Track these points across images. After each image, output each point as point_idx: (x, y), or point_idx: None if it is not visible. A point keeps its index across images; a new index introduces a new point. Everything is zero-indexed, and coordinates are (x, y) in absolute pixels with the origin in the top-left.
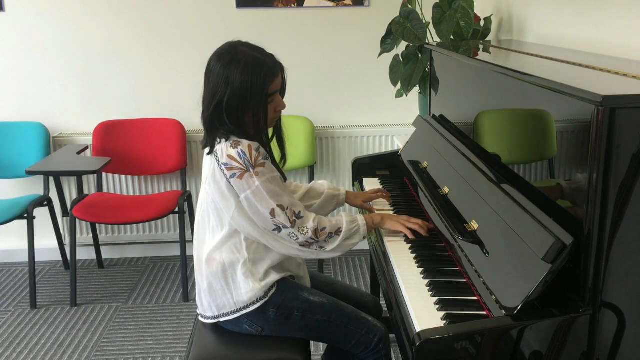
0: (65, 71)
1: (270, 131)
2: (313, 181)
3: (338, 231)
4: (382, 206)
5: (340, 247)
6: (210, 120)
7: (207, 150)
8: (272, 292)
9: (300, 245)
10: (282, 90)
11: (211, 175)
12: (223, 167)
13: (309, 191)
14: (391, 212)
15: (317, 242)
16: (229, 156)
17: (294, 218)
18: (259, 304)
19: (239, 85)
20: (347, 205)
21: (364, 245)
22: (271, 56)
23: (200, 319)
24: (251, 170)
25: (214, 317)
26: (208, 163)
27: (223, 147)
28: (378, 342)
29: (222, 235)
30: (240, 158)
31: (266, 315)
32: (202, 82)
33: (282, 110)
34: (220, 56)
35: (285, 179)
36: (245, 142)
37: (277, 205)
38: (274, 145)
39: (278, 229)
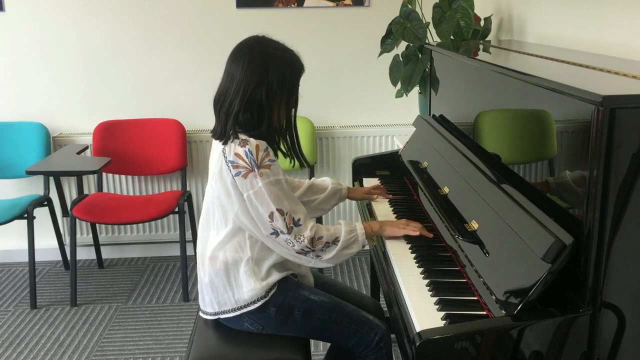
0: (65, 71)
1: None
2: (313, 178)
3: (335, 240)
4: (382, 206)
5: (338, 257)
6: (237, 111)
7: (215, 142)
8: (272, 291)
9: (297, 252)
10: None
11: (218, 172)
12: (230, 164)
13: (311, 187)
14: (390, 210)
15: (314, 250)
16: (236, 154)
17: (291, 225)
18: (259, 303)
19: (278, 79)
20: (344, 208)
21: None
22: (293, 52)
23: (201, 314)
24: (256, 170)
25: (215, 314)
26: (216, 160)
27: (231, 145)
28: (379, 341)
29: (225, 232)
30: (247, 157)
31: (267, 314)
32: (202, 82)
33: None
34: (251, 49)
35: None
36: (253, 142)
37: (277, 210)
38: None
39: (275, 233)
